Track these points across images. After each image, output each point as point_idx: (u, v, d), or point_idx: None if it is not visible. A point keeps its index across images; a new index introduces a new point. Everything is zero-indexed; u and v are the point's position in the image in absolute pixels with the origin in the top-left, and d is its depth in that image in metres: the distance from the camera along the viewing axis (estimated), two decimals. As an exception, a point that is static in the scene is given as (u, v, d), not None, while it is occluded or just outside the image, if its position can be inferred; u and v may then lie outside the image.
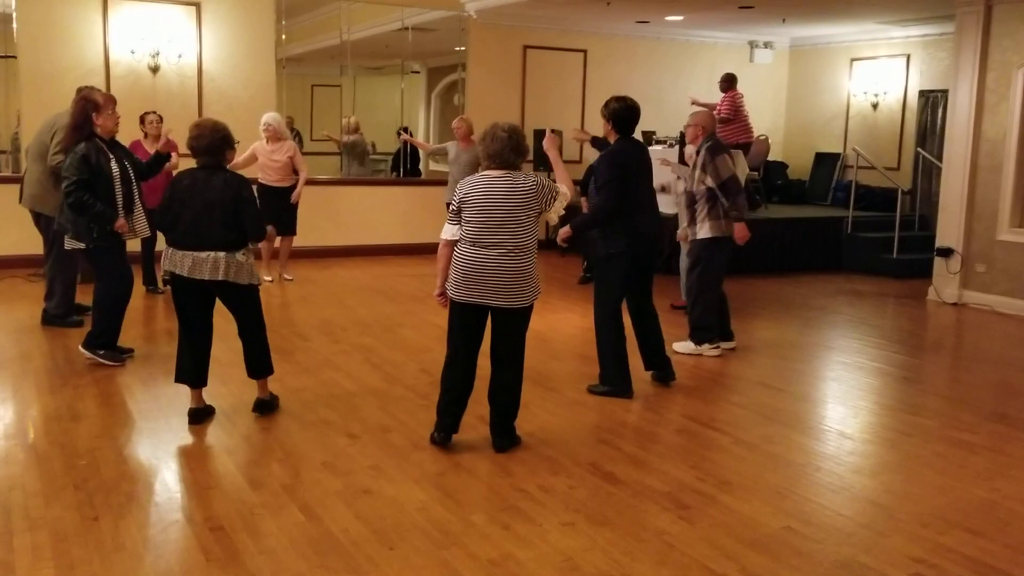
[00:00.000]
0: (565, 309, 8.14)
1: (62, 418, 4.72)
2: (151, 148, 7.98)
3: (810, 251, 10.92)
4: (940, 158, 11.28)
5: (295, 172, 8.85)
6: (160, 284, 8.21)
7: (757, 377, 5.94)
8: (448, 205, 9.53)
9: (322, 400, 5.15)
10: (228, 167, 4.78)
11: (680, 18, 11.42)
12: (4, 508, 3.62)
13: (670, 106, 12.69)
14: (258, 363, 4.89)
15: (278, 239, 9.02)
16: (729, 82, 11.01)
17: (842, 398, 5.62)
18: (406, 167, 12.58)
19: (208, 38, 9.91)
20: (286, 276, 9.10)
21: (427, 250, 10.87)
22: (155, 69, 9.69)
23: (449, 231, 4.35)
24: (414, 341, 6.70)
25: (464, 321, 4.37)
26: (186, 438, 4.51)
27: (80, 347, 5.69)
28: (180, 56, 9.76)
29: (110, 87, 9.30)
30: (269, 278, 8.99)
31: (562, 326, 7.43)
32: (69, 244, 5.61)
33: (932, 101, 11.54)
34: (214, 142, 4.61)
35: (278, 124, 8.73)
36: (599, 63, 12.21)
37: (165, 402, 5.05)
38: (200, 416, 4.80)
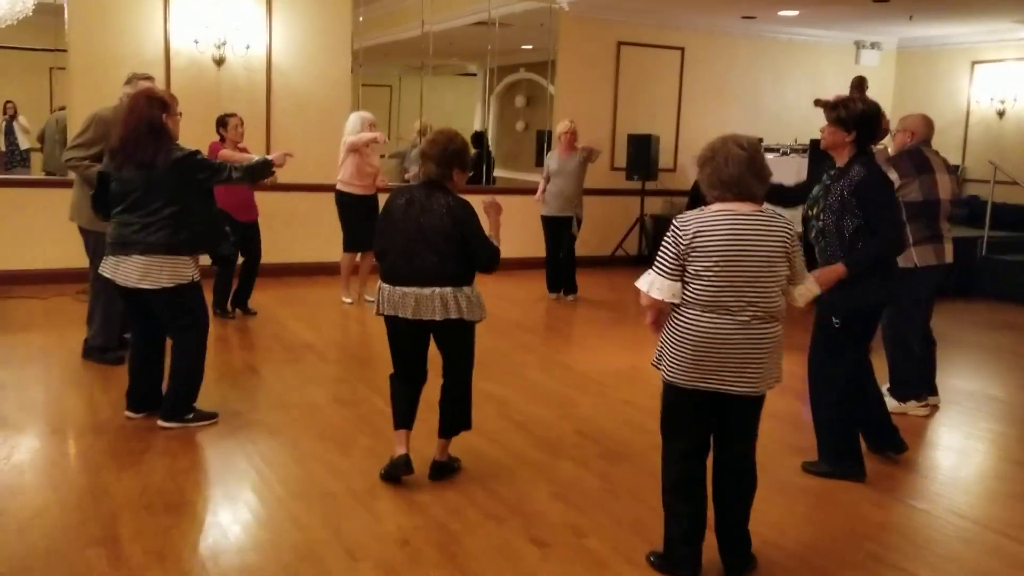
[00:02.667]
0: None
1: (153, 508, 3.60)
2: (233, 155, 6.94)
3: (941, 275, 9.72)
4: (1083, 172, 10.17)
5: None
6: (230, 308, 7.13)
7: (999, 451, 4.77)
8: (544, 220, 8.57)
9: (475, 480, 4.02)
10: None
11: (795, 13, 10.25)
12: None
13: (769, 110, 11.55)
14: (459, 415, 4.01)
15: (358, 255, 7.94)
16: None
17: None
18: (483, 174, 11.50)
19: (279, 28, 8.82)
20: (367, 297, 7.98)
21: (512, 266, 9.73)
22: (220, 61, 8.59)
23: (665, 288, 3.08)
24: (550, 388, 5.57)
25: (696, 414, 3.19)
26: (323, 539, 3.38)
27: (160, 423, 4.52)
28: (248, 47, 8.66)
29: (170, 81, 8.24)
30: (349, 300, 7.90)
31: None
32: (172, 279, 4.37)
33: (1074, 109, 10.34)
34: (447, 151, 3.81)
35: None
36: (697, 62, 11.05)
37: (274, 477, 3.94)
38: (399, 469, 3.92)
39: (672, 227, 3.09)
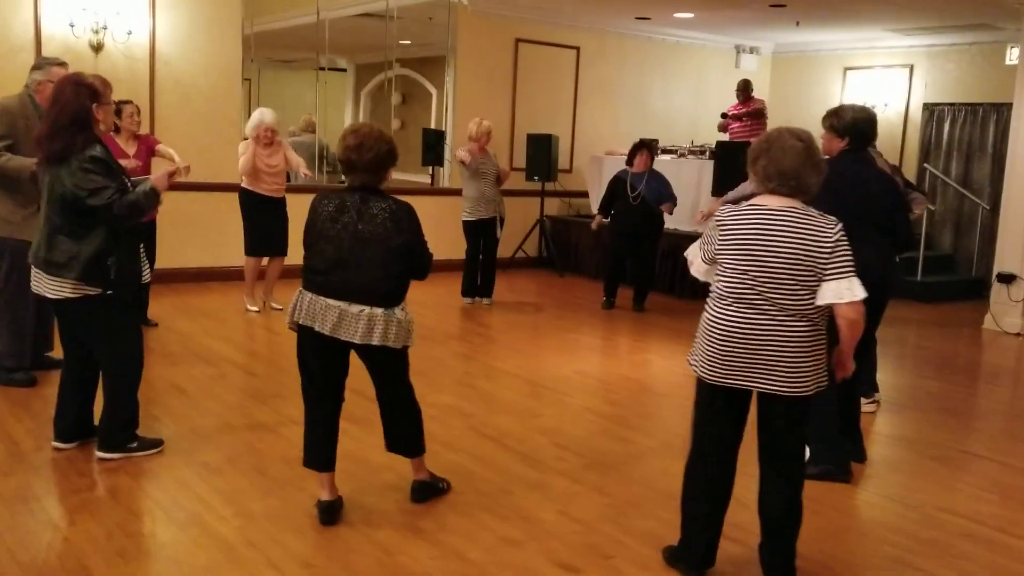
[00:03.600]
0: (640, 348, 6.93)
1: (128, 555, 3.14)
2: (128, 147, 6.32)
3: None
4: (947, 174, 10.84)
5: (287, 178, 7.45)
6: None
7: (955, 443, 4.92)
8: (466, 225, 8.29)
9: (473, 501, 3.75)
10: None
11: (690, 16, 10.42)
12: None
13: (657, 112, 11.73)
14: (412, 436, 3.66)
15: (265, 259, 7.43)
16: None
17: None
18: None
19: (163, 13, 8.14)
20: (274, 305, 7.50)
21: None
22: (98, 48, 7.86)
23: (701, 270, 3.16)
24: (506, 399, 5.34)
25: (718, 410, 3.11)
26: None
27: (99, 453, 3.99)
28: (130, 33, 7.95)
29: (42, 68, 7.43)
30: (255, 308, 7.38)
31: (656, 370, 6.23)
32: (74, 291, 3.80)
33: (938, 115, 11.01)
34: (379, 156, 3.35)
35: (278, 125, 7.22)
36: (591, 62, 11.06)
37: (256, 510, 3.53)
38: (333, 513, 3.49)
39: (715, 215, 3.11)
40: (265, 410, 4.84)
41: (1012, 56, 10.11)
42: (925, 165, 10.88)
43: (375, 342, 3.31)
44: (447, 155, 10.28)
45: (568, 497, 3.87)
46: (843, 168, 4.19)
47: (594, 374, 6.05)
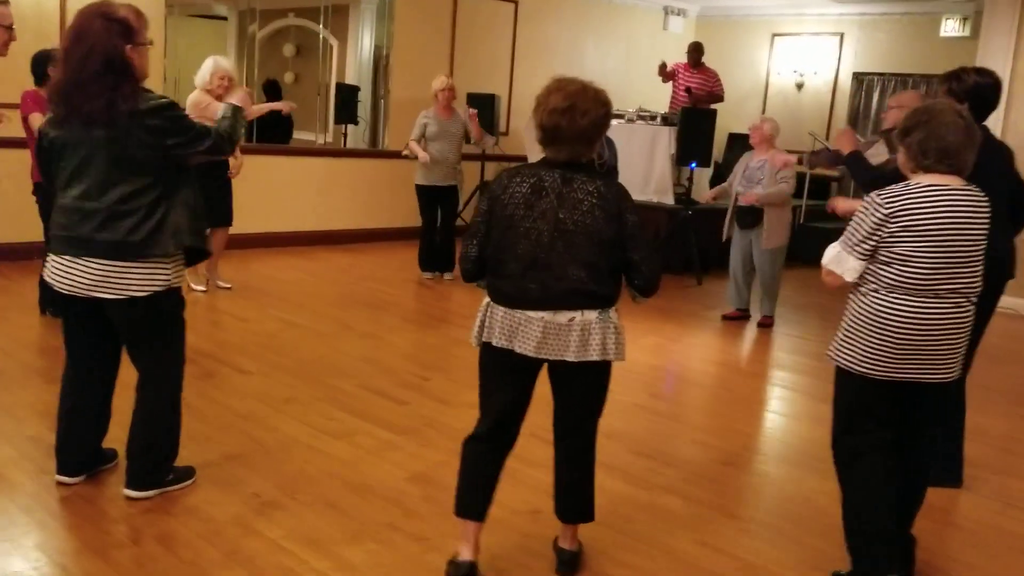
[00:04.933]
0: (642, 330, 6.47)
1: (234, 639, 2.46)
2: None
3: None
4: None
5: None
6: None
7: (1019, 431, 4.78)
8: (422, 190, 7.64)
9: (587, 528, 3.22)
10: None
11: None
12: None
13: (592, 73, 11.11)
14: (585, 494, 2.95)
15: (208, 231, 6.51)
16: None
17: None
18: (272, 131, 10.06)
19: (73, -59, 6.98)
20: (221, 283, 6.64)
21: (346, 238, 8.64)
22: (-2, -20, 6.63)
23: (858, 270, 2.79)
24: (543, 394, 4.78)
25: (882, 407, 2.89)
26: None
27: (131, 493, 3.19)
28: (37, -36, 6.78)
29: (-70, 1, 6.19)
30: (201, 287, 6.49)
31: (676, 356, 5.82)
32: (143, 287, 3.02)
33: (868, 84, 11.09)
34: (596, 122, 2.66)
35: (236, 73, 6.32)
36: (529, 18, 10.47)
37: (361, 560, 2.88)
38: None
39: (872, 203, 2.74)
40: (286, 419, 4.12)
41: (947, 28, 10.26)
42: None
43: (593, 357, 2.67)
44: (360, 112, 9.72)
45: (695, 522, 3.41)
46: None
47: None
